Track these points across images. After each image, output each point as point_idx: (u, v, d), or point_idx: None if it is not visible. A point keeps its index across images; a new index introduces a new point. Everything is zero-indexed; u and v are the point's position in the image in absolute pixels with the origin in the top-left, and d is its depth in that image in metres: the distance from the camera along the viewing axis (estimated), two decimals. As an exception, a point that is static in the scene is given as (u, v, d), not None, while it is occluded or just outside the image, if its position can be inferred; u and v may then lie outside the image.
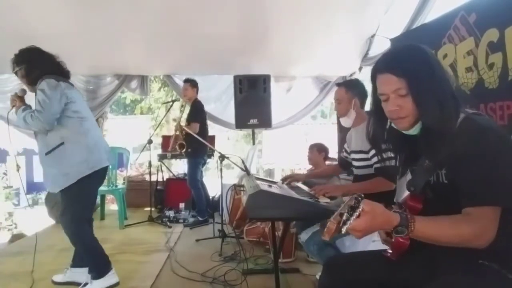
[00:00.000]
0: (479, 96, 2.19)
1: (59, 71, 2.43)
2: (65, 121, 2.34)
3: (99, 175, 2.44)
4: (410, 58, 1.11)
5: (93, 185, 2.46)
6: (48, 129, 2.31)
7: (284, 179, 2.44)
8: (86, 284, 2.39)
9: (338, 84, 2.41)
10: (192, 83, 4.44)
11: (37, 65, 2.36)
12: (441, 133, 1.06)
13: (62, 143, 2.32)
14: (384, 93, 1.14)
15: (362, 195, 0.97)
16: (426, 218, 1.02)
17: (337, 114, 2.41)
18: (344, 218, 0.93)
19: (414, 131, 1.15)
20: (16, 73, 2.41)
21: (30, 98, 2.45)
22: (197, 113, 4.30)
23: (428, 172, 1.14)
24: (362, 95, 2.31)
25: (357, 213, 0.93)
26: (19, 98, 2.43)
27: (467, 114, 1.09)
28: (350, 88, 2.29)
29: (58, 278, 2.58)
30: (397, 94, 1.11)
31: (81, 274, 2.52)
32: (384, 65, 1.14)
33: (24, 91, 2.48)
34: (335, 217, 0.95)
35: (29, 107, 2.37)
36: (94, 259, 2.38)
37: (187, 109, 4.48)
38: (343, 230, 0.92)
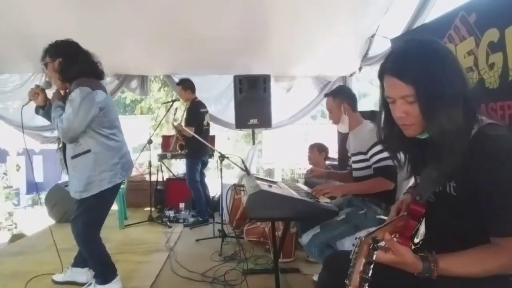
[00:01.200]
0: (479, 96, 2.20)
1: (94, 71, 2.30)
2: (95, 128, 2.21)
3: (119, 185, 2.37)
4: (421, 63, 1.01)
5: (113, 196, 2.39)
6: (70, 142, 2.21)
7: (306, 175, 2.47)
8: (90, 284, 2.38)
9: (326, 95, 2.46)
10: (183, 86, 4.40)
11: (75, 61, 2.20)
12: (449, 146, 1.00)
13: (88, 150, 2.21)
14: (390, 97, 1.08)
15: (376, 247, 0.92)
16: (449, 257, 0.98)
17: (332, 123, 2.43)
18: (363, 281, 0.89)
19: (422, 135, 1.11)
20: (45, 64, 2.23)
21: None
22: (191, 117, 4.27)
23: (435, 184, 1.11)
24: (350, 98, 2.35)
25: (373, 263, 0.90)
26: (42, 92, 2.28)
27: (480, 128, 1.02)
28: (336, 95, 2.36)
29: (58, 277, 2.57)
30: (405, 100, 1.04)
31: (82, 274, 2.52)
32: (392, 67, 1.06)
33: (48, 84, 2.31)
34: (353, 281, 0.91)
35: (62, 108, 2.21)
36: (101, 266, 2.34)
37: (180, 110, 4.49)
38: None
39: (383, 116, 1.19)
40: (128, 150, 2.47)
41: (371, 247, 0.91)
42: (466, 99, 1.01)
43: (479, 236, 1.01)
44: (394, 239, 1.02)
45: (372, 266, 0.90)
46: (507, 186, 0.96)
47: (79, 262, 2.54)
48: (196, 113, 4.30)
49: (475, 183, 0.99)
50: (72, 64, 2.20)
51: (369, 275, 0.89)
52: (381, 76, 1.11)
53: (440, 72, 1.00)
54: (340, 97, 2.33)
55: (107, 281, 2.32)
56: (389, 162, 1.99)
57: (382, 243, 0.96)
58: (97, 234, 2.35)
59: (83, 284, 2.45)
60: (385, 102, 1.15)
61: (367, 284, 0.89)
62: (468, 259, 0.98)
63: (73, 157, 2.25)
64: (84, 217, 2.27)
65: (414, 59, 1.03)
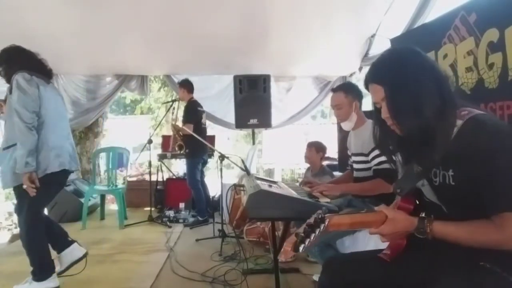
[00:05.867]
0: (479, 96, 2.20)
1: (40, 70, 2.35)
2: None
3: (51, 178, 2.33)
4: (389, 66, 1.13)
5: (45, 188, 2.29)
6: (31, 127, 2.19)
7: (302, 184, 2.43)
8: (26, 281, 2.36)
9: (334, 90, 2.34)
10: (180, 85, 4.44)
11: (15, 63, 2.30)
12: (425, 139, 1.05)
13: (15, 144, 2.23)
14: (376, 102, 1.18)
15: (325, 215, 0.99)
16: (443, 221, 1.05)
17: (337, 119, 2.35)
18: (299, 238, 0.96)
19: None
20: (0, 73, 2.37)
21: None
22: (189, 115, 4.29)
23: (417, 177, 1.16)
24: (360, 96, 2.30)
25: (318, 230, 0.96)
26: (4, 104, 2.38)
27: (471, 116, 1.05)
28: (349, 91, 2.26)
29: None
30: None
31: (72, 251, 2.54)
32: (370, 74, 1.18)
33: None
34: (290, 239, 0.99)
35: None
36: (39, 262, 2.33)
37: (180, 110, 4.50)
38: (301, 249, 0.95)
39: (377, 123, 1.25)
40: (68, 146, 2.46)
41: (319, 217, 0.98)
42: (440, 97, 1.06)
43: None
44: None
45: (316, 232, 0.96)
46: (498, 162, 0.97)
47: (60, 246, 2.53)
48: (194, 111, 4.32)
49: (470, 167, 1.01)
50: (13, 65, 2.30)
51: (312, 233, 0.96)
52: (366, 85, 1.21)
53: (405, 71, 1.08)
54: (353, 94, 2.25)
55: (44, 278, 2.32)
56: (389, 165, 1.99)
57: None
58: (38, 226, 2.33)
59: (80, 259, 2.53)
60: (376, 109, 1.21)
61: (307, 241, 0.95)
62: (465, 224, 1.02)
63: (4, 148, 2.29)
64: (23, 207, 2.29)
65: (386, 64, 1.15)
